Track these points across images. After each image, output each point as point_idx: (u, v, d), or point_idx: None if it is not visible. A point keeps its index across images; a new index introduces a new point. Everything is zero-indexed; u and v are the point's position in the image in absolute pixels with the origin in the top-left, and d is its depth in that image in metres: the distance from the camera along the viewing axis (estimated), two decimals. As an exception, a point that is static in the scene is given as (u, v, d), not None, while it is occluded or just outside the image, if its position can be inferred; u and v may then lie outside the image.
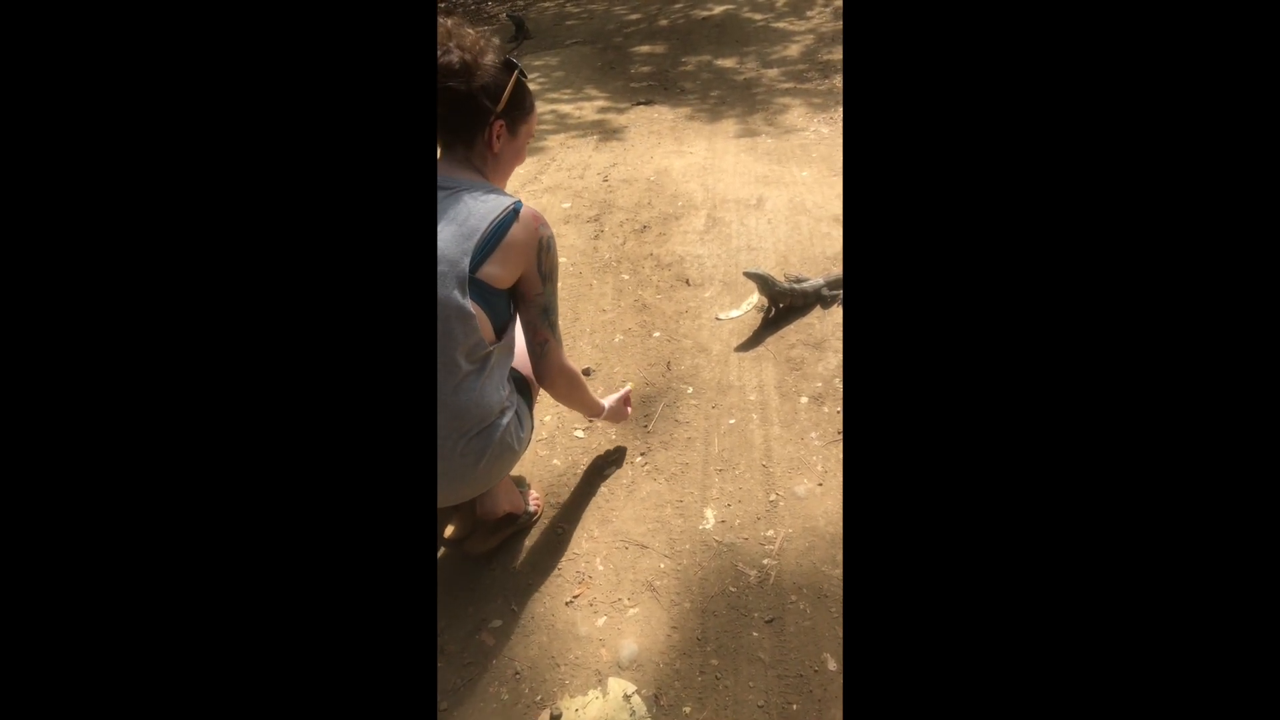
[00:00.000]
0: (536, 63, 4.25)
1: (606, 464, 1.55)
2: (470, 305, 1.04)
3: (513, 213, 1.08)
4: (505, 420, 1.16)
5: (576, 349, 1.89)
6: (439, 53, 1.07)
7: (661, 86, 3.73)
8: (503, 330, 1.14)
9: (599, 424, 1.63)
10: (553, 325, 1.19)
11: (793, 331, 1.82)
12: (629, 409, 1.54)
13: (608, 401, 1.45)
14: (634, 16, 5.01)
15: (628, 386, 1.58)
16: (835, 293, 1.87)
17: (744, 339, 1.83)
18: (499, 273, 1.08)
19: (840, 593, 1.22)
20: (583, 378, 1.34)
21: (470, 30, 1.11)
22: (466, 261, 1.04)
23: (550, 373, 1.23)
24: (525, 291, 1.15)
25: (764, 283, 1.79)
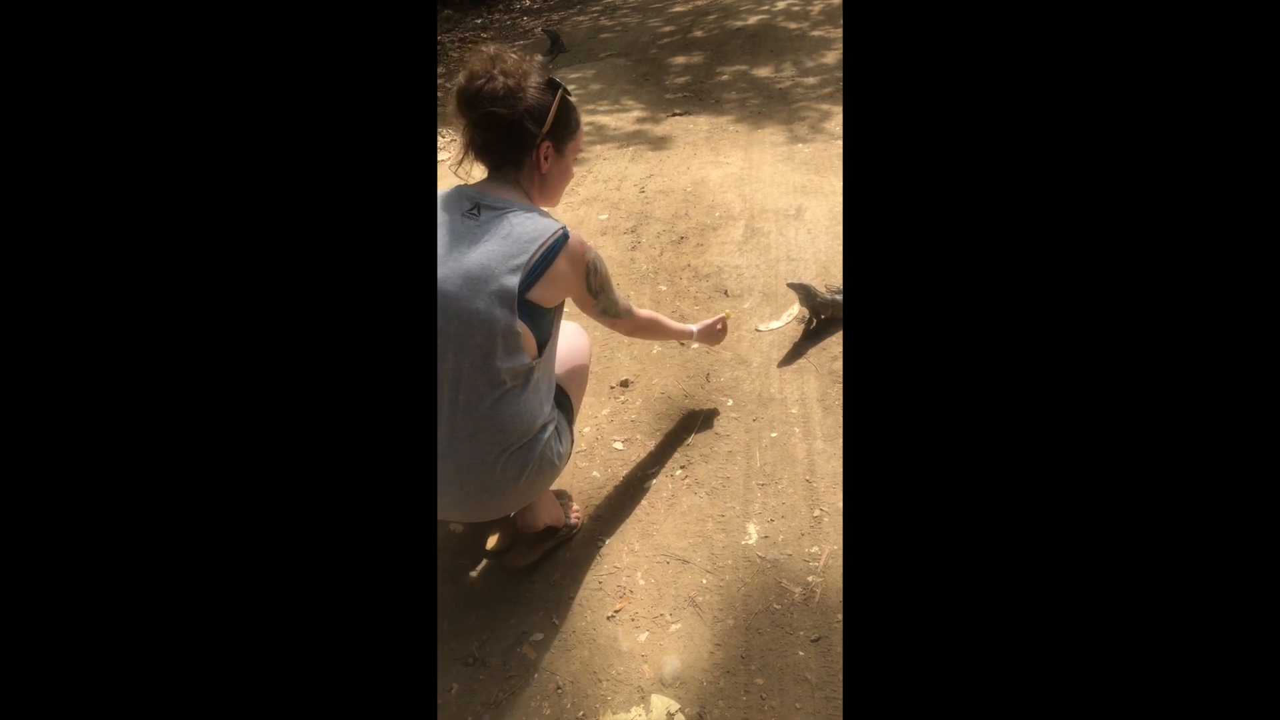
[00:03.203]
0: (573, 75, 4.29)
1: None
2: (519, 325, 1.07)
3: (562, 238, 1.12)
4: (546, 435, 1.16)
5: (615, 360, 1.89)
6: (483, 80, 1.08)
7: (697, 97, 3.73)
8: (544, 345, 1.15)
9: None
10: (616, 314, 1.30)
11: (834, 343, 1.79)
12: (722, 330, 1.61)
13: (698, 326, 1.56)
14: (668, 28, 5.03)
15: (724, 313, 1.63)
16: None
17: (785, 351, 1.80)
18: (547, 294, 1.12)
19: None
20: (660, 318, 1.45)
21: (512, 54, 1.12)
22: (516, 281, 1.06)
23: (630, 333, 1.41)
24: (583, 307, 1.25)
25: (806, 293, 1.77)
